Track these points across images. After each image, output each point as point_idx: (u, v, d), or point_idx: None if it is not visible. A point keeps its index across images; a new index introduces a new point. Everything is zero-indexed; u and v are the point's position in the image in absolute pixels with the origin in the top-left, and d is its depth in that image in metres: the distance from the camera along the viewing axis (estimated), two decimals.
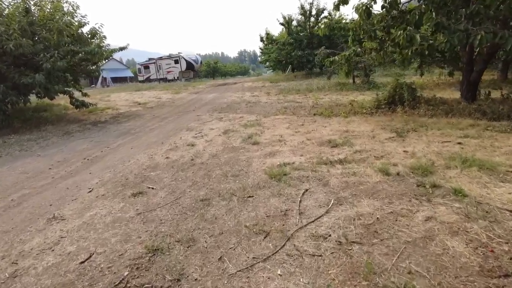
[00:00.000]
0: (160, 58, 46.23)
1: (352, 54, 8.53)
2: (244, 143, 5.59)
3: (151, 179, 4.18)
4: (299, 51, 24.33)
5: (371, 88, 14.82)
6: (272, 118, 8.06)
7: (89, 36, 11.64)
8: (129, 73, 62.26)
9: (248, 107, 11.26)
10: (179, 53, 45.18)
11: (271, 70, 43.89)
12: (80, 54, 11.18)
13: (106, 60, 14.29)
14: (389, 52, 8.66)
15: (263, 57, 33.69)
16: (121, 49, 14.74)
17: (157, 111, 12.91)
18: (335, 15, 24.71)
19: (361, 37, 8.23)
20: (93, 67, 13.06)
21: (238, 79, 45.56)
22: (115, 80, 55.58)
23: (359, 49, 8.53)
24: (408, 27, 5.53)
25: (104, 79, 55.80)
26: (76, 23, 11.38)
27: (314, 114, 7.94)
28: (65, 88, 11.14)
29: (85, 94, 13.31)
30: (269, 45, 30.84)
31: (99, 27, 11.73)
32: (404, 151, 4.19)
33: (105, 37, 13.66)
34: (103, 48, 13.84)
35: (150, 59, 48.78)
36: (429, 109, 6.71)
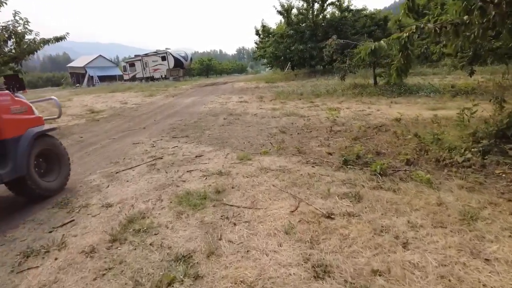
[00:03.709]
0: (146, 55, 41.83)
1: (415, 35, 4.30)
2: None
3: None
4: (301, 44, 20.03)
5: (403, 92, 10.61)
6: (255, 169, 3.82)
7: None
8: (118, 71, 58.14)
9: (225, 127, 7.03)
10: (166, 49, 40.81)
11: (269, 68, 39.63)
12: None
13: (32, 54, 10.12)
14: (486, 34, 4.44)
15: (258, 52, 29.36)
16: (57, 40, 10.74)
17: (95, 128, 8.69)
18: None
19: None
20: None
21: (233, 77, 41.27)
22: (103, 79, 51.50)
23: (429, 25, 4.27)
24: None
25: (91, 77, 51.54)
26: None
27: (346, 163, 3.66)
28: None
29: None
30: (266, 39, 26.57)
31: None
32: None
33: (26, 21, 9.64)
34: (26, 40, 9.91)
35: (136, 56, 44.37)
36: None
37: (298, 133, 5.68)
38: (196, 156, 4.60)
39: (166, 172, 3.91)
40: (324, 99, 10.87)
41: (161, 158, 4.61)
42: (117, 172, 4.12)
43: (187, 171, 3.89)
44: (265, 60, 31.06)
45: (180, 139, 6.02)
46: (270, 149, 4.66)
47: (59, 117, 4.10)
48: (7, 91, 3.19)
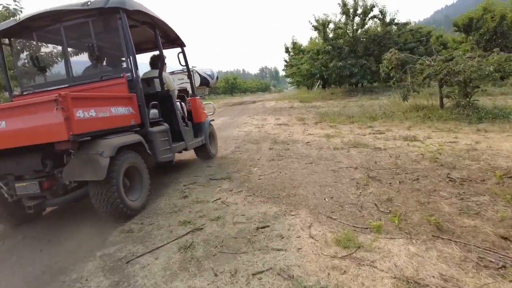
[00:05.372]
0: (172, 73, 41.47)
1: None
2: None
3: None
4: (340, 61, 18.28)
5: (484, 116, 8.36)
6: (393, 284, 1.97)
7: None
8: None
9: (276, 162, 5.24)
10: (193, 67, 40.35)
11: (295, 87, 38.24)
12: None
13: None
14: None
15: (288, 70, 27.95)
16: None
17: None
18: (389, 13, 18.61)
19: None
20: None
21: (258, 96, 40.07)
22: None
23: None
24: None
25: None
26: None
27: None
28: None
29: None
30: (297, 56, 25.15)
31: None
32: None
33: None
34: None
35: None
36: None
37: (399, 182, 3.75)
38: (258, 228, 2.78)
39: (215, 275, 2.10)
40: (384, 124, 8.91)
41: (201, 229, 2.83)
42: (128, 262, 2.37)
43: (253, 275, 2.07)
44: (293, 78, 29.68)
45: (221, 184, 4.26)
46: (381, 219, 2.77)
47: (213, 113, 7.08)
48: (198, 97, 5.74)
